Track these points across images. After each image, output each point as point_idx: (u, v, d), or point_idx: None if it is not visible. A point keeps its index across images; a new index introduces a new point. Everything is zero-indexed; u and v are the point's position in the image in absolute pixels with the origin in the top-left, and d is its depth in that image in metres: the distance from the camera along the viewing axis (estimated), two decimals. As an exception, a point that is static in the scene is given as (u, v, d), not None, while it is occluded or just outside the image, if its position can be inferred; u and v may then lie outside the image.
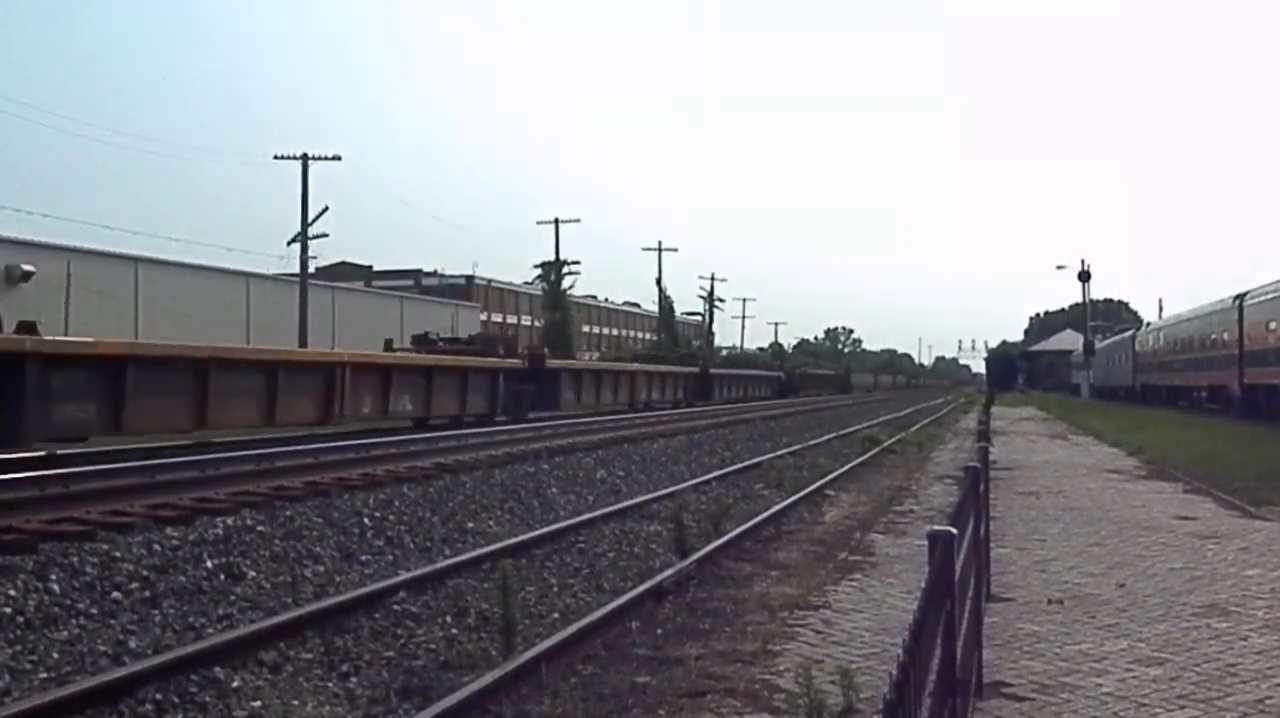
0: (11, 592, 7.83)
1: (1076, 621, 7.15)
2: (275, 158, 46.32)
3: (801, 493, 14.62)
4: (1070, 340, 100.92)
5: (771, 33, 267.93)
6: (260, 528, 10.78)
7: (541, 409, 33.99)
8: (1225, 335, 35.40)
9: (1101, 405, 53.65)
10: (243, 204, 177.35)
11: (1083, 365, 70.72)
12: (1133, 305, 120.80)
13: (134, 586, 8.34)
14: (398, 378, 24.70)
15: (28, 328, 16.03)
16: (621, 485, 16.36)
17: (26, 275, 39.07)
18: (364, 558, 10.05)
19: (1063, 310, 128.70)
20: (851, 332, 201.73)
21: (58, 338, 18.21)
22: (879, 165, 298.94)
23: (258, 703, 5.78)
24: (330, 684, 6.19)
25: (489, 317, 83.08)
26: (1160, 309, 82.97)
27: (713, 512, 12.13)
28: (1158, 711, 5.29)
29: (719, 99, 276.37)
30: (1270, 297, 30.59)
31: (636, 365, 49.26)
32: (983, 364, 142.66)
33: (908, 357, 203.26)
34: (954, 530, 3.44)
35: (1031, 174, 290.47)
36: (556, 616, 7.83)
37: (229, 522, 11.03)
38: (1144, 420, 33.34)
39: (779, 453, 21.83)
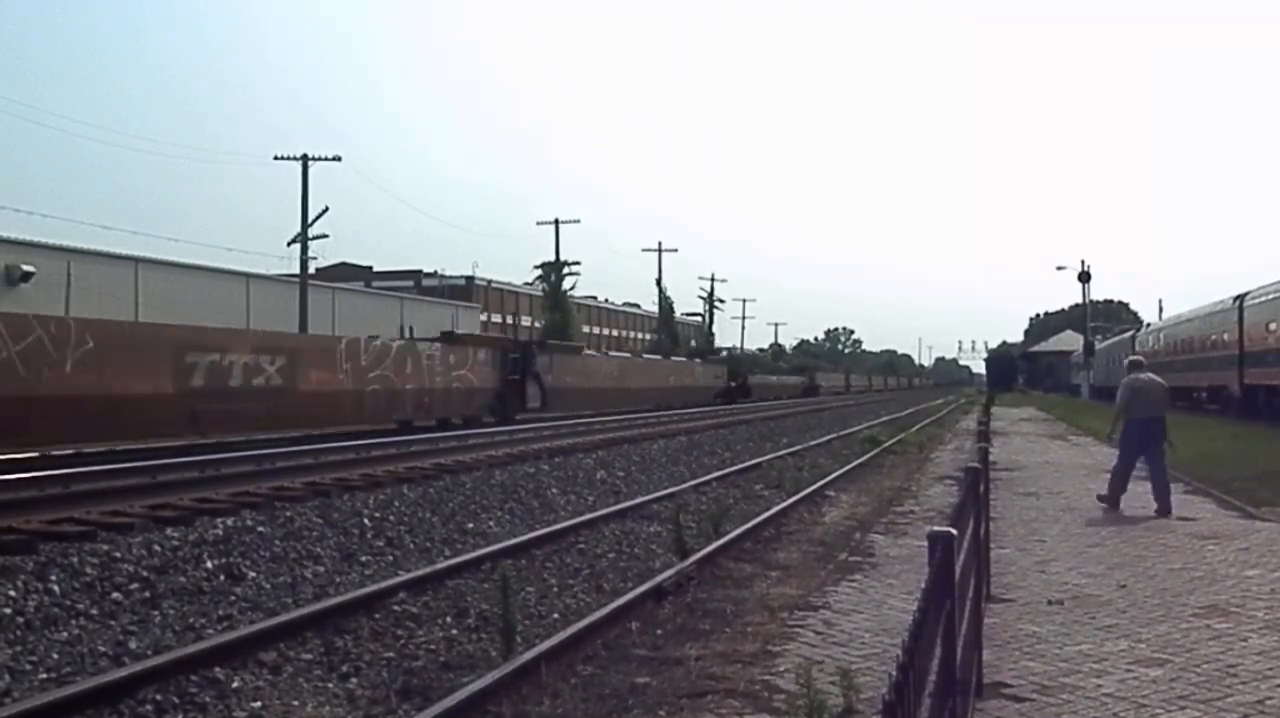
0: (11, 592, 7.85)
1: (1076, 621, 7.14)
2: (275, 158, 46.28)
3: (801, 494, 14.61)
4: (1070, 341, 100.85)
5: (772, 32, 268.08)
6: (260, 528, 10.80)
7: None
8: (1225, 336, 35.34)
9: (1101, 406, 53.41)
10: (243, 204, 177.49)
11: (1083, 366, 70.66)
12: (1133, 306, 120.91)
13: (134, 586, 8.35)
14: None
15: None
16: (621, 486, 16.35)
17: (26, 275, 39.00)
18: (364, 558, 10.05)
19: (1063, 311, 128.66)
20: (852, 332, 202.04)
21: None
22: (880, 166, 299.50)
23: (258, 703, 5.78)
24: (330, 685, 6.19)
25: (489, 317, 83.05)
26: (1160, 310, 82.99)
27: (713, 512, 12.12)
28: (1158, 711, 5.28)
29: (719, 98, 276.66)
30: (1270, 297, 30.55)
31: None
32: (983, 365, 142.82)
33: (908, 357, 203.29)
34: (954, 531, 3.43)
35: (1031, 174, 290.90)
36: (556, 616, 7.83)
37: (229, 522, 11.05)
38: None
39: (779, 454, 21.84)
